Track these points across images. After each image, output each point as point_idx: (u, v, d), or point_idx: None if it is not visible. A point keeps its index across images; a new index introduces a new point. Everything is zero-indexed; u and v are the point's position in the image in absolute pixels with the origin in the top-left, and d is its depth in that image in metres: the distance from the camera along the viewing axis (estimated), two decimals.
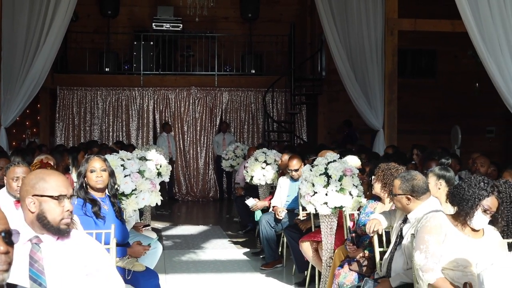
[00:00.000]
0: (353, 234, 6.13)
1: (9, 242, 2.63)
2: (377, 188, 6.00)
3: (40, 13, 12.81)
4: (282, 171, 9.77)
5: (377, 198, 6.16)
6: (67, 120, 17.39)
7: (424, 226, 4.52)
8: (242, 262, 9.58)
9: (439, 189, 5.92)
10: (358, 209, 6.60)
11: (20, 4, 12.80)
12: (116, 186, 5.88)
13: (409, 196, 5.05)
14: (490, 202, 4.44)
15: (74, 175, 8.81)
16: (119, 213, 5.68)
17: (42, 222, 3.35)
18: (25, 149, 11.96)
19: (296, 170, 8.82)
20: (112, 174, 5.76)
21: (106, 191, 5.71)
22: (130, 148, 12.39)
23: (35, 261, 3.29)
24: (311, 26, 18.08)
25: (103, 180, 5.57)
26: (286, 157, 9.53)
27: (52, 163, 7.41)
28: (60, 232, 3.38)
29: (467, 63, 16.37)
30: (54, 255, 3.35)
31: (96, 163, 5.61)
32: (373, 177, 6.13)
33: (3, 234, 2.60)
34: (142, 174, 6.36)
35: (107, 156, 6.48)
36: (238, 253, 10.26)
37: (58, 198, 3.37)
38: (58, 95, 17.26)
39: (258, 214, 10.11)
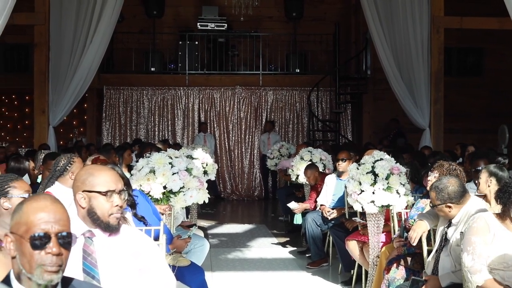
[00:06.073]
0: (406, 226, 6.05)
1: (64, 245, 2.57)
2: (430, 183, 5.90)
3: (86, 14, 13.02)
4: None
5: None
6: (113, 119, 17.56)
7: (470, 228, 4.45)
8: (288, 261, 9.58)
9: (488, 186, 5.73)
10: (406, 207, 6.56)
11: (67, 6, 13.01)
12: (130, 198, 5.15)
13: (449, 204, 4.98)
14: None
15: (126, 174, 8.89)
16: (141, 218, 5.23)
17: (92, 218, 3.39)
18: (72, 148, 12.14)
19: (344, 160, 8.83)
20: (128, 184, 5.30)
21: None
22: (176, 147, 12.47)
23: (88, 255, 3.34)
24: (356, 24, 17.99)
25: None
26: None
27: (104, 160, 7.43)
28: (110, 227, 3.41)
29: None
30: (107, 250, 3.39)
31: None
32: (430, 172, 6.04)
33: (59, 235, 2.55)
34: (190, 172, 6.39)
35: (154, 154, 6.51)
36: (283, 251, 10.26)
37: (106, 193, 3.40)
38: (104, 94, 17.45)
39: (298, 218, 10.11)
